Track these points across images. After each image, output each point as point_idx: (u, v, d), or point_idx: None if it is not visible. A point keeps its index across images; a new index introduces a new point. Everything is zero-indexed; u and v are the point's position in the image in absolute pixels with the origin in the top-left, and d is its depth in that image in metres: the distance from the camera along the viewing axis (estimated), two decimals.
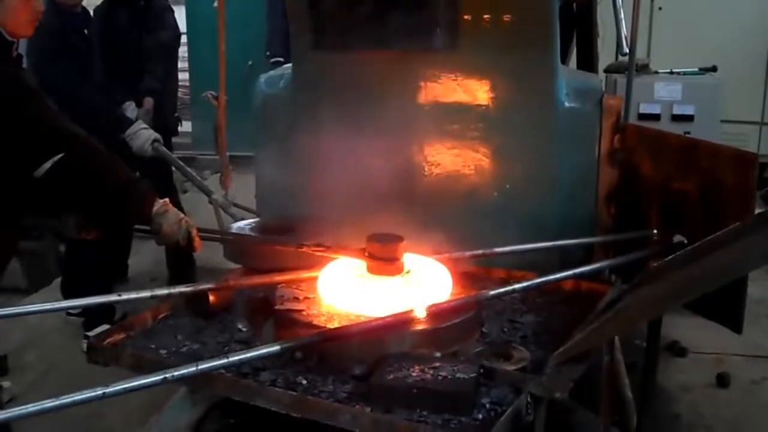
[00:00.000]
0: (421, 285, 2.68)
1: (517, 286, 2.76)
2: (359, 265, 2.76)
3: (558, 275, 2.84)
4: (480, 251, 3.06)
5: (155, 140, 4.64)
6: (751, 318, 3.07)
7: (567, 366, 2.37)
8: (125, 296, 2.71)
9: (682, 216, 3.12)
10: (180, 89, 9.63)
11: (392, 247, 2.69)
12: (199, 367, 2.22)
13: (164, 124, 5.38)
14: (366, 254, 2.71)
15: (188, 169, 4.52)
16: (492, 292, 2.70)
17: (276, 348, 2.35)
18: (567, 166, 3.37)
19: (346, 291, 2.67)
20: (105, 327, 4.56)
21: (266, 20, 8.56)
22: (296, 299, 2.74)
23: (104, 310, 5.12)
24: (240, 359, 2.30)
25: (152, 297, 2.70)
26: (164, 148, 4.71)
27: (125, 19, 5.39)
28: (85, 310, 5.20)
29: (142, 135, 4.64)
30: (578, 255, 3.30)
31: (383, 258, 2.68)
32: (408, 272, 2.73)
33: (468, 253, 3.04)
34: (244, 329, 2.77)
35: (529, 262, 3.08)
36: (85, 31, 5.00)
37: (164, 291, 2.76)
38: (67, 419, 3.98)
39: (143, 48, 5.42)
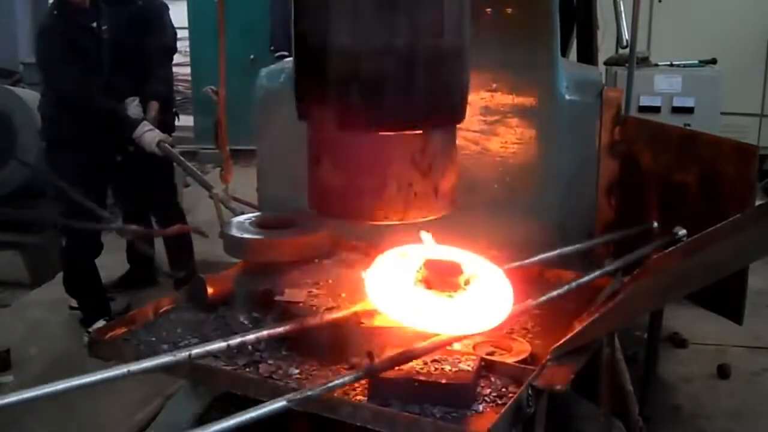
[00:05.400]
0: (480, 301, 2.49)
1: (560, 291, 2.69)
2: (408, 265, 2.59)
3: (591, 276, 2.80)
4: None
5: (161, 141, 4.77)
6: (752, 309, 3.08)
7: (568, 358, 2.38)
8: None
9: (682, 208, 3.12)
10: (182, 83, 9.72)
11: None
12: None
13: (165, 122, 5.42)
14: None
15: (189, 164, 4.57)
16: (535, 302, 2.61)
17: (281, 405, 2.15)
18: (567, 158, 3.37)
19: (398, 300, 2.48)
20: (102, 322, 4.62)
21: (270, 14, 8.60)
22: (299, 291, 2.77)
23: (100, 304, 5.14)
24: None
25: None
26: (169, 147, 4.80)
27: (125, 19, 5.39)
28: (83, 307, 5.21)
29: (148, 136, 4.77)
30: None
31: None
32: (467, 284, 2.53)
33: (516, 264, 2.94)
34: (245, 322, 2.78)
35: (536, 263, 3.07)
36: (94, 25, 5.01)
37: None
38: (70, 414, 4.02)
39: (146, 50, 5.43)
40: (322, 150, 2.48)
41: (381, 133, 2.37)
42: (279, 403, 2.05)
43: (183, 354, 2.24)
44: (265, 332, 2.44)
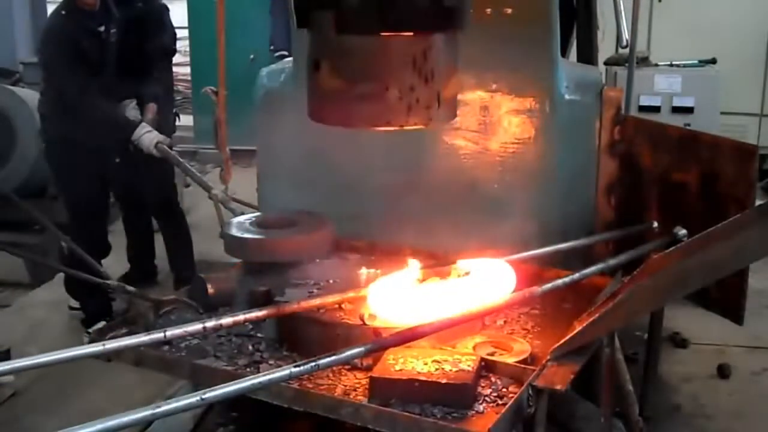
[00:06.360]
0: (481, 285, 2.60)
1: (565, 280, 2.71)
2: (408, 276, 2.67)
3: (593, 269, 2.82)
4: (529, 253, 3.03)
5: (159, 142, 4.79)
6: (752, 309, 3.08)
7: (568, 358, 2.38)
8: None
9: (682, 208, 3.12)
10: (181, 83, 9.71)
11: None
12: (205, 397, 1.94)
13: (165, 123, 5.42)
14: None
15: (188, 166, 4.58)
16: (541, 288, 2.63)
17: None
18: (567, 157, 3.37)
19: (404, 301, 2.55)
20: (103, 323, 4.60)
21: (269, 14, 8.61)
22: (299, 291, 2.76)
23: (101, 305, 5.13)
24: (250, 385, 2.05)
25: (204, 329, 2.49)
26: (167, 149, 4.81)
27: (125, 20, 5.38)
28: (84, 307, 5.21)
29: (146, 138, 4.79)
30: (579, 247, 3.30)
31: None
32: (466, 274, 2.65)
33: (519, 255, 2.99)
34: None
35: (535, 256, 3.07)
36: (102, 29, 5.01)
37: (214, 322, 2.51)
38: (69, 413, 4.02)
39: (145, 52, 5.43)
40: (322, 56, 2.39)
41: (382, 36, 2.29)
42: (284, 372, 2.04)
43: (158, 334, 2.32)
44: (241, 316, 2.48)
